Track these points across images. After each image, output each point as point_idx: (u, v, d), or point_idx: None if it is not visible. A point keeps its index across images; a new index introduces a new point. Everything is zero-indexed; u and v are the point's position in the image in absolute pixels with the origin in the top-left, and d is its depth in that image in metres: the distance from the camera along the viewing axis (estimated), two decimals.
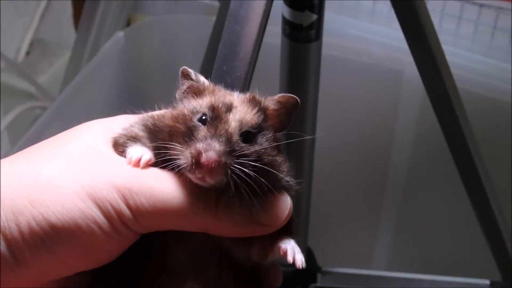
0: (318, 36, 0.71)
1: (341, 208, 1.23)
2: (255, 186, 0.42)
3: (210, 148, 0.41)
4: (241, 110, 0.45)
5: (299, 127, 0.78)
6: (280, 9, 0.70)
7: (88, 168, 0.42)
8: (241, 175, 0.41)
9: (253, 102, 0.46)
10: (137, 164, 0.43)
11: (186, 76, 0.48)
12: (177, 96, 0.48)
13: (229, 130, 0.43)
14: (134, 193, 0.41)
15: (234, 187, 0.41)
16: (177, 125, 0.43)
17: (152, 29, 1.22)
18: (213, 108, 0.44)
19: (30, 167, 0.42)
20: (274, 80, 0.76)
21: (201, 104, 0.45)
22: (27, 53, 1.55)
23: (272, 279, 0.48)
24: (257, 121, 0.45)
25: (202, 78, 0.48)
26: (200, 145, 0.41)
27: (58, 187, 0.41)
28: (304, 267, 0.44)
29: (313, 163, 0.84)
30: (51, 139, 0.45)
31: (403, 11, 0.69)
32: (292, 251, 0.44)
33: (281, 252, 0.44)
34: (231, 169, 0.41)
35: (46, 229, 0.40)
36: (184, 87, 0.48)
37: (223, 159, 0.41)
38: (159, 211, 0.41)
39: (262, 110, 0.46)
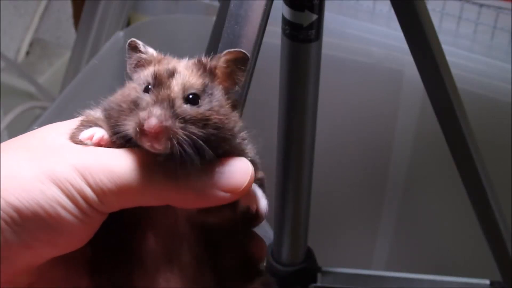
0: (318, 36, 0.71)
1: (341, 208, 1.23)
2: (209, 149, 0.41)
3: (151, 115, 0.41)
4: (184, 74, 0.44)
5: (299, 127, 0.78)
6: (280, 9, 0.70)
7: (45, 155, 0.42)
8: (189, 138, 0.41)
9: (199, 64, 0.45)
10: (90, 140, 0.43)
11: (134, 48, 0.47)
12: (128, 71, 0.48)
13: (171, 94, 0.42)
14: (93, 171, 0.41)
15: (188, 152, 0.41)
16: (124, 99, 0.43)
17: (152, 29, 1.22)
18: (155, 76, 0.44)
19: None
20: (274, 80, 0.76)
21: (146, 74, 0.45)
22: (27, 53, 1.55)
23: (257, 250, 0.48)
24: (202, 82, 0.44)
25: (150, 50, 0.47)
26: (141, 113, 0.41)
27: (17, 173, 0.41)
28: (266, 212, 0.44)
29: (313, 162, 0.84)
30: (10, 140, 0.46)
31: (403, 11, 0.69)
32: (262, 207, 0.44)
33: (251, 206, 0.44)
34: (176, 133, 0.41)
35: (10, 212, 0.40)
36: (133, 60, 0.47)
37: (166, 123, 0.41)
38: (119, 187, 0.41)
39: (209, 70, 0.45)
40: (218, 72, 0.45)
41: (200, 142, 0.41)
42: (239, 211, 0.45)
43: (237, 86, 0.46)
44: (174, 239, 0.44)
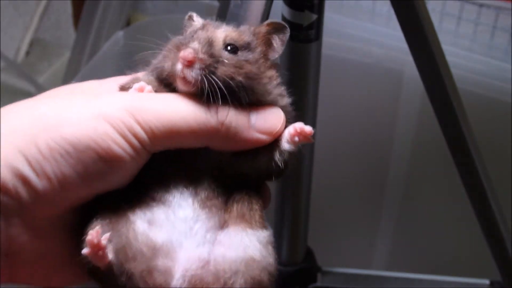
0: (318, 36, 0.71)
1: (341, 208, 1.23)
2: (245, 94, 0.45)
3: (189, 47, 0.45)
4: (229, 29, 0.48)
5: None
6: (280, 9, 0.70)
7: (95, 98, 0.45)
8: (222, 77, 0.44)
9: (245, 28, 0.49)
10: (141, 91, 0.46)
11: (190, 19, 0.51)
12: None
13: (213, 38, 0.46)
14: (143, 112, 0.44)
15: (218, 91, 0.44)
16: (169, 46, 0.47)
17: (152, 29, 1.22)
18: (203, 26, 0.48)
19: (39, 102, 0.46)
20: None
21: (195, 25, 0.49)
22: (27, 53, 1.55)
23: (264, 196, 0.51)
24: (244, 39, 0.48)
25: (202, 20, 0.50)
26: (182, 47, 0.45)
27: (69, 112, 0.44)
28: (313, 131, 0.47)
29: (313, 162, 0.84)
30: (54, 89, 0.49)
31: (403, 11, 0.69)
32: (300, 126, 0.47)
33: (290, 137, 0.47)
34: (209, 67, 0.44)
35: (64, 145, 0.42)
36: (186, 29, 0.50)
37: (200, 55, 0.44)
38: (167, 127, 0.44)
39: (253, 33, 0.49)
40: (260, 37, 0.49)
41: (232, 84, 0.44)
42: (273, 163, 0.48)
43: (276, 53, 0.49)
44: (194, 172, 0.47)
